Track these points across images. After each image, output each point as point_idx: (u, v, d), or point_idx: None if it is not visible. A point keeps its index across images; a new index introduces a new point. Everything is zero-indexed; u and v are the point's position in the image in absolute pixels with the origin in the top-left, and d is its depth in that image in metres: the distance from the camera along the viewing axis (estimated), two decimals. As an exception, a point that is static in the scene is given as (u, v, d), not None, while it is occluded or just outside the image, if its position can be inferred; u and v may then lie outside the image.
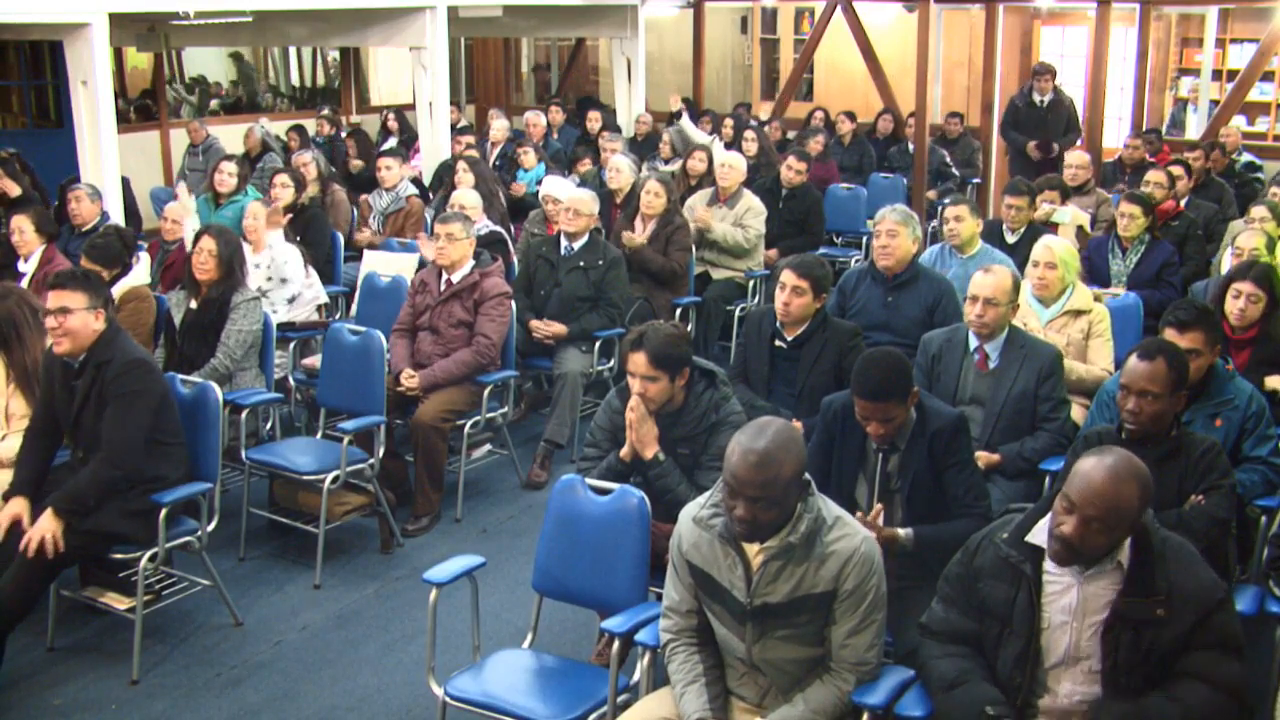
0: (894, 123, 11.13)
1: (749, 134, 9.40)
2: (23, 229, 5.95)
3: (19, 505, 4.01)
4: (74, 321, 3.99)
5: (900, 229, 5.21)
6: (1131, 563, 2.65)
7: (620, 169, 7.40)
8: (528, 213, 7.73)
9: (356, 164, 9.87)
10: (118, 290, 5.40)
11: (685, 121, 9.59)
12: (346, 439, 4.87)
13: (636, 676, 3.26)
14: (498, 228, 6.97)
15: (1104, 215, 7.23)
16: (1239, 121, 10.69)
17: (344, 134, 10.80)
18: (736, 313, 7.24)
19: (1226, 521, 3.46)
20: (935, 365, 4.45)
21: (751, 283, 7.34)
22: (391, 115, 11.56)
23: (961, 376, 4.39)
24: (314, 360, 5.81)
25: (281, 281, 6.15)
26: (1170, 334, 3.85)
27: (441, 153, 9.10)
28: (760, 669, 2.94)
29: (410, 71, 9.65)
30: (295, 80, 15.97)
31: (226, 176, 7.27)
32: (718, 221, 7.26)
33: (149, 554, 4.10)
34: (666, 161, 9.30)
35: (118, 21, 7.59)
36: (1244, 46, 11.35)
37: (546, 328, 6.00)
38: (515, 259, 6.77)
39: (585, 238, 6.17)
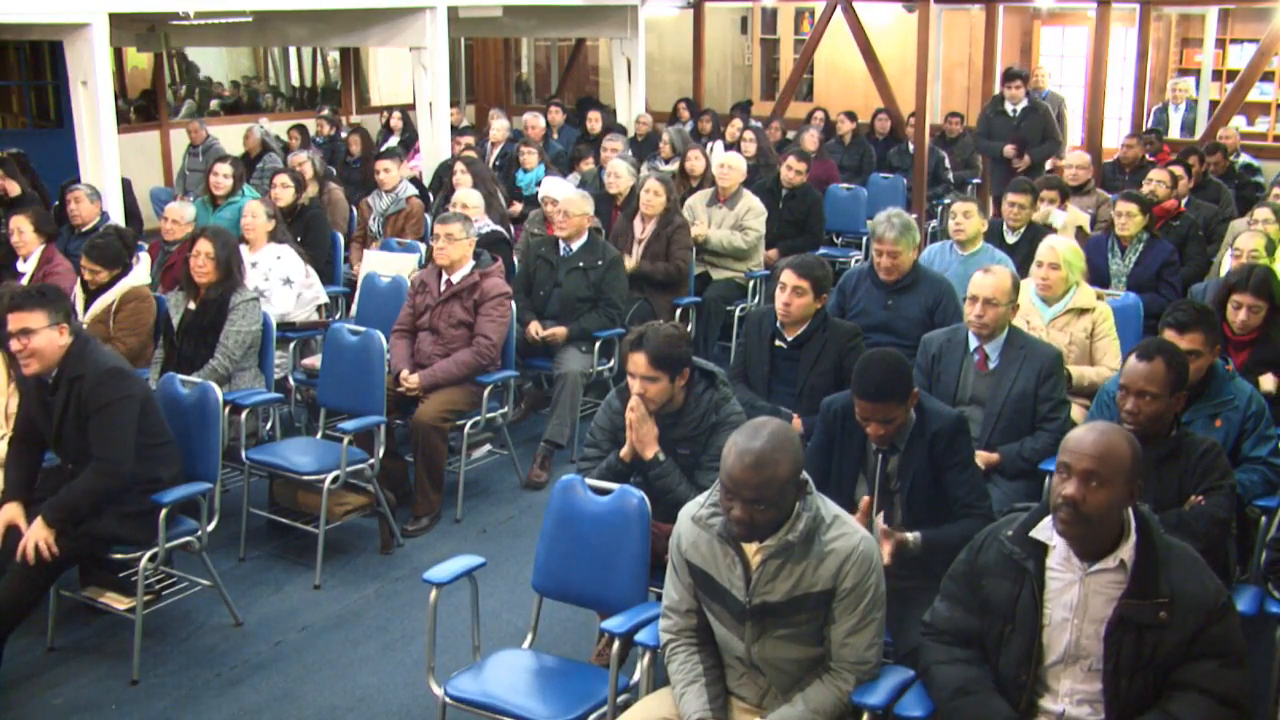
0: (892, 123, 11.13)
1: (747, 134, 9.40)
2: (21, 229, 5.95)
3: (13, 511, 4.00)
4: (38, 341, 3.93)
5: (901, 249, 5.18)
6: (1135, 563, 2.65)
7: (619, 173, 7.39)
8: (527, 213, 7.74)
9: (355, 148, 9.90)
10: (118, 290, 5.40)
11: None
12: (346, 439, 4.87)
13: (636, 676, 3.26)
14: (499, 227, 6.97)
15: (1104, 215, 7.23)
16: (1239, 122, 10.70)
17: (345, 134, 10.80)
18: (736, 313, 7.24)
19: (1226, 522, 3.46)
20: (935, 365, 4.45)
21: (751, 283, 7.34)
22: (395, 115, 11.56)
23: (961, 377, 4.39)
24: (314, 360, 5.81)
25: (285, 282, 6.13)
26: (1170, 335, 3.85)
27: (441, 153, 9.10)
28: (760, 669, 2.94)
29: (410, 71, 9.66)
30: (295, 80, 15.98)
31: (222, 178, 7.27)
32: (713, 229, 7.24)
33: (149, 554, 4.10)
34: (667, 161, 9.30)
35: (118, 21, 7.60)
36: (1244, 46, 11.35)
37: (544, 332, 6.00)
38: (516, 259, 6.77)
39: (584, 238, 6.17)
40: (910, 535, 3.41)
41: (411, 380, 5.33)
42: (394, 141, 10.87)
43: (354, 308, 6.53)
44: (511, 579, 4.82)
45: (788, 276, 4.59)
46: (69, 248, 6.52)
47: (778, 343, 4.69)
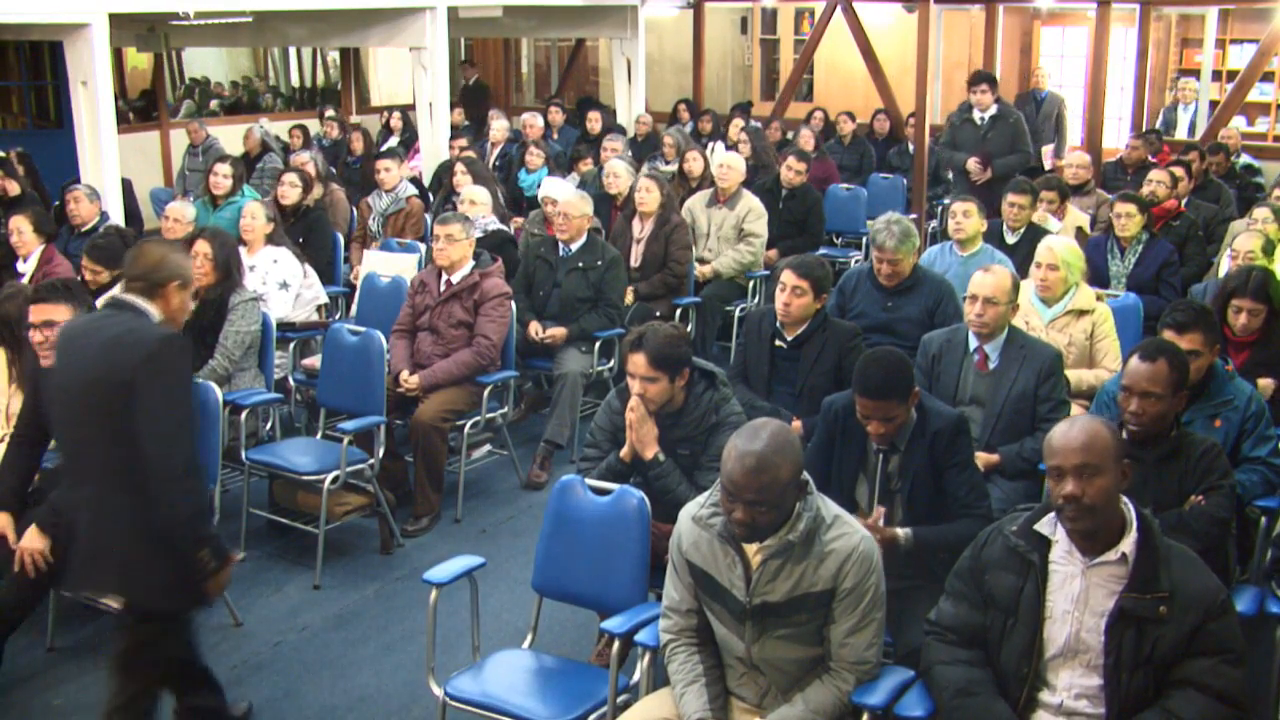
0: (892, 123, 11.13)
1: (743, 135, 9.40)
2: (21, 229, 5.95)
3: (1, 521, 4.00)
4: None
5: (901, 256, 5.18)
6: (1135, 557, 2.66)
7: (618, 173, 7.39)
8: (528, 212, 7.73)
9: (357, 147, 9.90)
10: (119, 289, 5.39)
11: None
12: (346, 439, 4.87)
13: (636, 677, 3.26)
14: (504, 227, 6.97)
15: (1103, 216, 7.23)
16: (1239, 122, 10.69)
17: (349, 133, 10.81)
18: (736, 313, 7.24)
19: (1226, 522, 3.46)
20: (935, 366, 4.45)
21: (751, 283, 7.34)
22: (395, 114, 11.56)
23: (961, 377, 4.39)
24: (314, 360, 5.81)
25: (281, 286, 6.12)
26: (1169, 335, 3.85)
27: (441, 153, 9.10)
28: (760, 669, 2.94)
29: (410, 71, 9.65)
30: (295, 80, 15.99)
31: (221, 179, 7.26)
32: (718, 260, 7.20)
33: (149, 554, 4.09)
34: (669, 162, 9.30)
35: (118, 21, 7.59)
36: (1244, 47, 11.35)
37: (544, 334, 6.00)
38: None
39: (584, 238, 6.18)
40: (901, 532, 3.41)
41: (411, 380, 5.33)
42: (394, 142, 10.86)
43: (354, 308, 6.53)
44: (511, 579, 4.82)
45: (787, 277, 4.59)
46: (69, 248, 6.52)
47: (778, 343, 4.69)
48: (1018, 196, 6.37)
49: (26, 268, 5.92)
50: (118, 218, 7.23)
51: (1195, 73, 11.81)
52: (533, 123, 10.31)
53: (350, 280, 7.18)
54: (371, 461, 5.01)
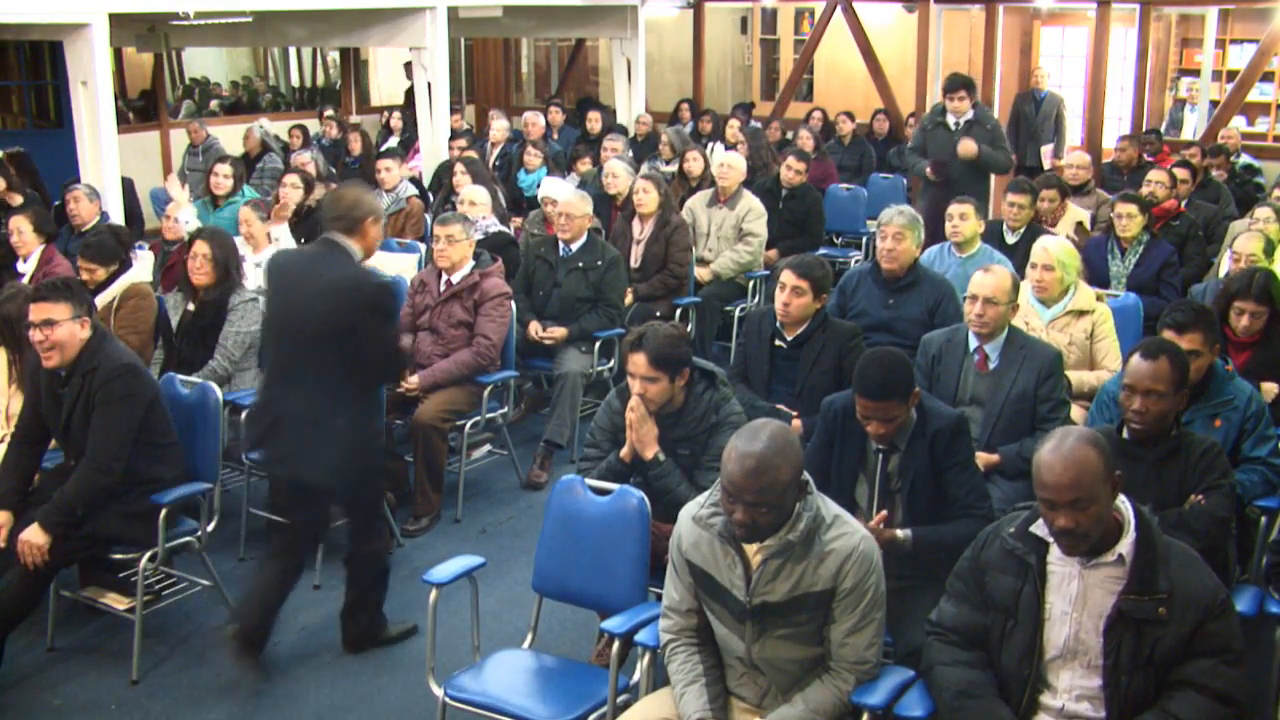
0: (891, 123, 11.14)
1: (740, 136, 9.39)
2: (21, 229, 5.94)
3: (1, 519, 4.00)
4: (60, 333, 3.95)
5: (906, 233, 5.22)
6: (1134, 559, 2.65)
7: (617, 173, 7.39)
8: (528, 213, 7.73)
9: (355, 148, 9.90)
10: (117, 287, 5.38)
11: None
12: (346, 439, 4.87)
13: (636, 677, 3.26)
14: (505, 229, 6.97)
15: (1103, 216, 7.23)
16: (1239, 122, 10.69)
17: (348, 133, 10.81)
18: (736, 313, 7.24)
19: (1226, 522, 3.46)
20: (935, 366, 4.45)
21: (751, 283, 7.34)
22: (395, 115, 11.56)
23: (961, 377, 4.39)
24: (314, 360, 5.80)
25: None
26: (1169, 335, 3.84)
27: (441, 153, 9.10)
28: (760, 669, 2.94)
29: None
30: (295, 80, 15.99)
31: (222, 179, 7.26)
32: (718, 261, 7.19)
33: (149, 554, 4.10)
34: (668, 162, 9.30)
35: (118, 21, 7.60)
36: (1244, 47, 11.35)
37: (545, 334, 6.00)
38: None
39: (584, 238, 6.18)
40: (901, 532, 3.41)
41: (411, 380, 5.33)
42: (394, 142, 10.86)
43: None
44: (511, 579, 4.82)
45: (787, 277, 4.59)
46: (69, 248, 6.51)
47: (777, 343, 4.69)
48: (1018, 196, 6.37)
49: (27, 268, 5.91)
50: (118, 217, 7.22)
51: (1195, 73, 11.81)
52: (534, 122, 10.31)
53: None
54: (371, 461, 5.00)
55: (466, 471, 5.59)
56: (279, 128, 11.15)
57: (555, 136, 10.99)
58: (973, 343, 4.40)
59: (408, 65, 10.45)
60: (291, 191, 7.00)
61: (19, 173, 8.04)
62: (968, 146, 7.48)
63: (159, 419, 4.15)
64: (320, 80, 15.73)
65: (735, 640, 2.93)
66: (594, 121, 10.86)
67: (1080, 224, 6.81)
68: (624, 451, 3.83)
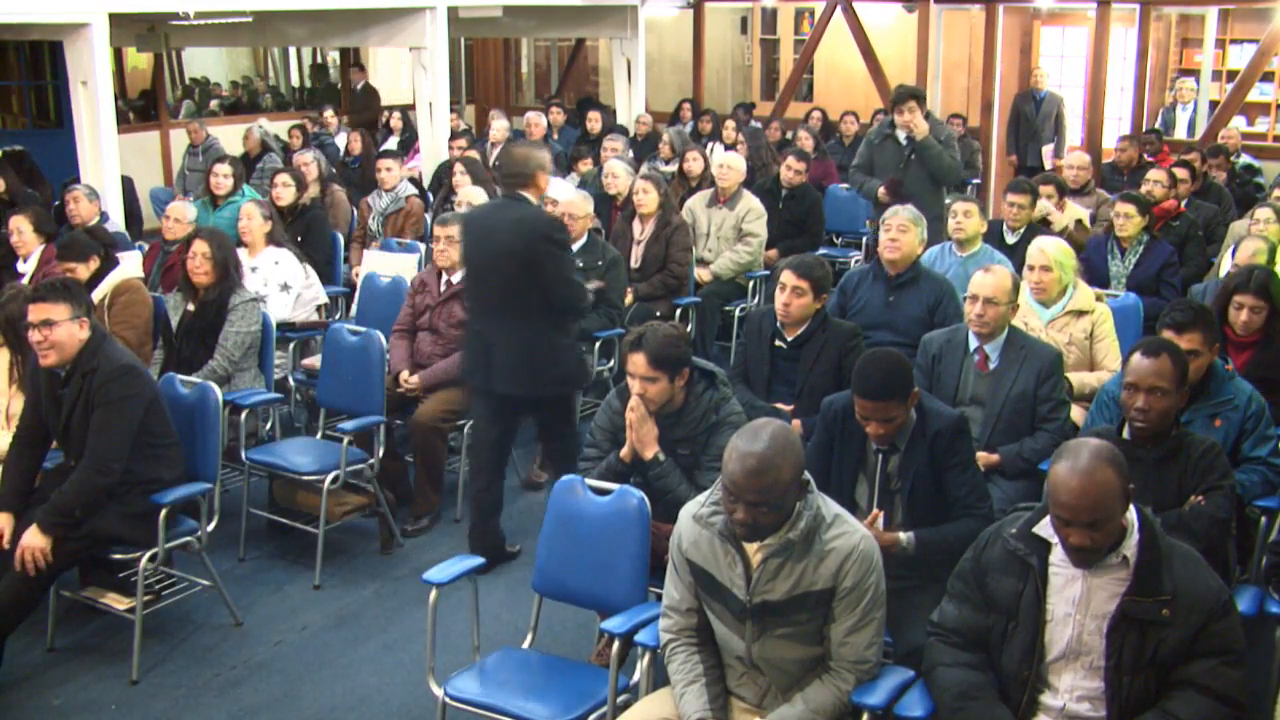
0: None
1: (739, 137, 9.37)
2: (21, 229, 5.94)
3: (1, 521, 4.00)
4: (59, 333, 3.95)
5: (911, 226, 5.23)
6: (1137, 560, 2.65)
7: (617, 174, 7.39)
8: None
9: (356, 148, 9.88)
10: (107, 284, 5.36)
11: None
12: (346, 439, 4.88)
13: (636, 676, 3.26)
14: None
15: (1103, 216, 7.23)
16: (1239, 122, 10.69)
17: (345, 133, 10.81)
18: (736, 313, 7.24)
19: (1226, 522, 3.46)
20: (935, 366, 4.45)
21: (751, 283, 7.34)
22: (395, 115, 11.56)
23: (961, 377, 4.39)
24: (314, 360, 5.81)
25: (283, 288, 6.11)
26: (1168, 335, 3.84)
27: (441, 153, 9.10)
28: (760, 668, 2.94)
29: (410, 71, 9.66)
30: (295, 80, 15.98)
31: (222, 178, 7.25)
32: (718, 262, 7.19)
33: (149, 554, 4.10)
34: (667, 162, 9.30)
35: (118, 21, 7.59)
36: (1244, 47, 11.35)
37: None
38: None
39: (584, 238, 6.18)
40: (903, 535, 3.41)
41: (411, 380, 5.33)
42: (394, 142, 10.86)
43: (354, 308, 6.53)
44: (511, 579, 4.82)
45: (787, 277, 4.59)
46: (68, 248, 6.50)
47: (778, 343, 4.69)
48: (1017, 196, 6.36)
49: (26, 268, 5.91)
50: (118, 217, 7.23)
51: (1195, 73, 11.81)
52: (535, 122, 10.30)
53: (350, 280, 7.18)
54: (371, 461, 5.01)
55: (466, 471, 5.58)
56: (279, 128, 11.15)
57: (555, 136, 10.98)
58: (973, 343, 4.40)
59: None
60: (283, 190, 7.00)
61: (20, 173, 8.06)
62: (919, 124, 6.81)
63: (159, 419, 4.15)
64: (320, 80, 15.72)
65: (735, 639, 2.93)
66: (594, 121, 10.86)
67: (1080, 221, 6.81)
68: (624, 451, 3.83)
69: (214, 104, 14.39)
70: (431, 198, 8.44)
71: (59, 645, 4.37)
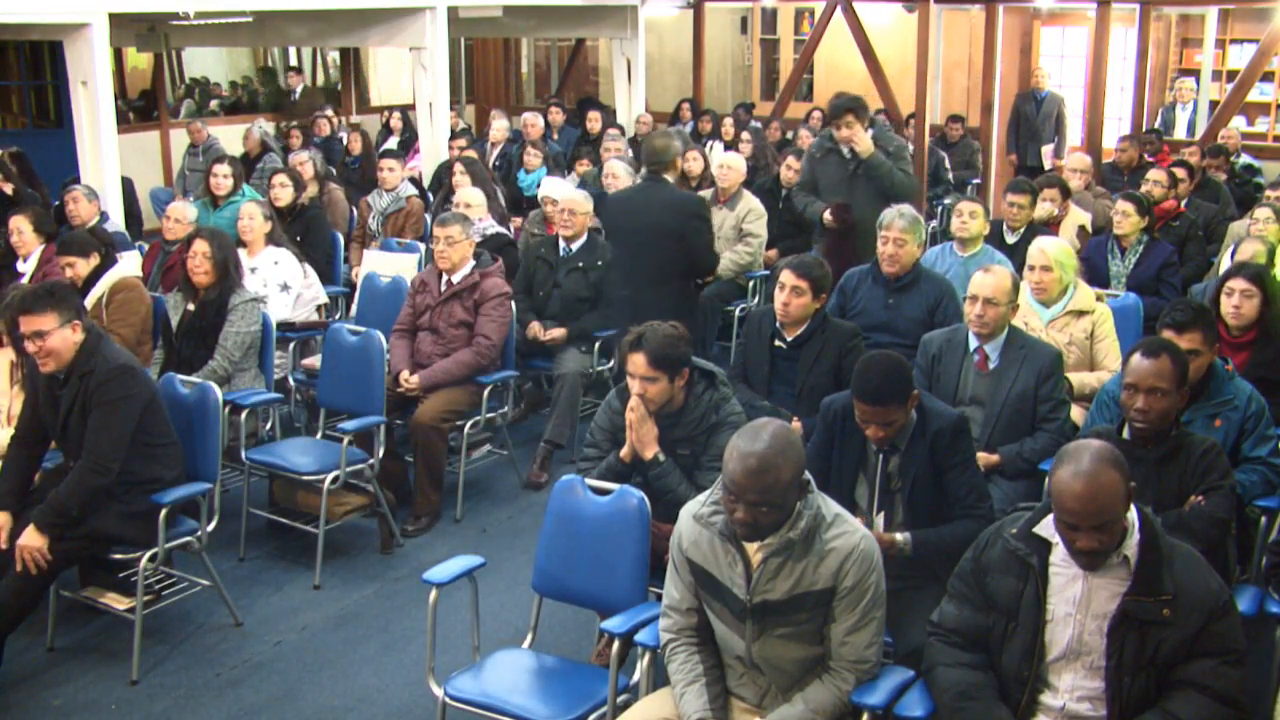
0: (891, 123, 11.12)
1: (744, 135, 9.37)
2: (20, 229, 5.94)
3: (0, 520, 4.00)
4: (53, 341, 3.94)
5: (908, 237, 5.18)
6: (1139, 560, 2.65)
7: (617, 173, 7.37)
8: (528, 213, 7.72)
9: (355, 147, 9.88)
10: (105, 282, 5.36)
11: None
12: (346, 439, 4.87)
13: (636, 676, 3.26)
14: (504, 230, 6.96)
15: (1101, 211, 7.22)
16: (1239, 122, 10.69)
17: (343, 133, 10.81)
18: (736, 313, 7.24)
19: (1226, 522, 3.46)
20: (935, 366, 4.45)
21: (751, 283, 7.34)
22: (395, 114, 11.56)
23: (961, 377, 4.39)
24: (314, 360, 5.81)
25: (283, 288, 6.11)
26: (1168, 334, 3.84)
27: (441, 153, 9.10)
28: (760, 668, 2.94)
29: (410, 71, 9.65)
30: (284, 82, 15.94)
31: (221, 179, 7.25)
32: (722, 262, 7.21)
33: (149, 554, 4.10)
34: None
35: (118, 21, 7.59)
36: (1244, 47, 11.35)
37: (546, 335, 6.00)
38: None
39: (584, 238, 6.17)
40: (900, 536, 3.41)
41: (411, 380, 5.33)
42: (394, 142, 10.86)
43: (354, 308, 6.53)
44: (511, 579, 4.82)
45: (787, 277, 4.59)
46: (68, 248, 6.50)
47: (777, 343, 4.69)
48: (1017, 196, 6.36)
49: (26, 268, 5.92)
50: (118, 217, 7.22)
51: (1195, 73, 11.81)
52: (534, 122, 10.30)
53: (350, 280, 7.18)
54: (371, 461, 5.01)
55: (466, 471, 5.59)
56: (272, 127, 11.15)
57: (555, 136, 10.98)
58: (973, 343, 4.40)
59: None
60: (280, 191, 7.00)
61: (19, 172, 8.05)
62: (860, 140, 6.12)
63: (157, 419, 4.14)
64: (320, 80, 15.71)
65: (735, 639, 2.93)
66: (594, 121, 10.85)
67: (1083, 227, 6.81)
68: (624, 451, 3.83)
69: (214, 104, 14.38)
70: (431, 198, 8.44)
71: (59, 645, 4.37)
